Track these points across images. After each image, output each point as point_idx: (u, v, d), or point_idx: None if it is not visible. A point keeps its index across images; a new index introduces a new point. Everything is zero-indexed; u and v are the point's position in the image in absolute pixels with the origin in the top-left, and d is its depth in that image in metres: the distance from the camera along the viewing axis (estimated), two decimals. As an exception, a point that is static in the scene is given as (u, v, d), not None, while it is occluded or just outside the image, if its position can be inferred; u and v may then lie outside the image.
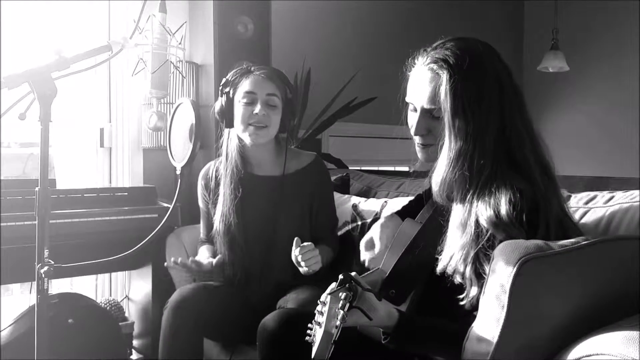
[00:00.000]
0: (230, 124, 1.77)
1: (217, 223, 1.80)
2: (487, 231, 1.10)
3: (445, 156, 1.16)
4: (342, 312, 1.02)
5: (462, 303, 1.13)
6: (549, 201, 1.12)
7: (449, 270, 1.15)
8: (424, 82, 1.19)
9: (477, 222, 1.11)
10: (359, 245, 1.88)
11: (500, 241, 1.06)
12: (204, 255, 1.81)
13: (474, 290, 1.11)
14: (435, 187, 1.20)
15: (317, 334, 1.06)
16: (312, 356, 1.03)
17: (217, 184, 1.85)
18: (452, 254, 1.14)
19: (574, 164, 3.85)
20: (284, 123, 1.78)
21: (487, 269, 1.07)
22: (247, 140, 1.76)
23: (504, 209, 1.08)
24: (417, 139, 1.26)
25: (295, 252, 1.54)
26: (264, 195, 1.81)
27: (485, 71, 1.15)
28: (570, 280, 1.03)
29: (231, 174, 1.79)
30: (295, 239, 1.54)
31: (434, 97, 1.17)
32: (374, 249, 1.41)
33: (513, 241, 1.02)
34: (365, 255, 1.43)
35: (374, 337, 1.23)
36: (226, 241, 1.79)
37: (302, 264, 1.55)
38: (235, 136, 1.80)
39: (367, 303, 1.09)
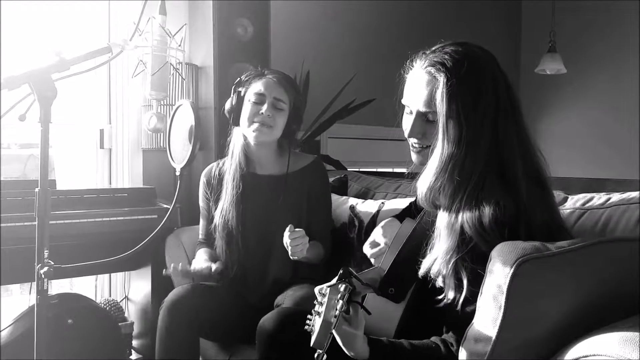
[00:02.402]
0: (237, 122, 1.83)
1: (217, 218, 1.83)
2: (470, 239, 1.10)
3: (435, 160, 1.16)
4: (341, 302, 1.03)
5: (439, 305, 1.15)
6: (532, 213, 1.12)
7: (432, 274, 1.16)
8: (420, 84, 1.20)
9: (462, 228, 1.12)
10: (357, 247, 1.88)
11: (483, 251, 1.06)
12: (202, 259, 1.81)
13: (451, 294, 1.12)
14: (421, 191, 1.19)
15: (315, 323, 1.06)
16: (311, 344, 1.04)
17: (220, 183, 1.88)
18: (436, 258, 1.15)
19: (571, 165, 3.86)
20: (290, 128, 1.82)
21: (463, 276, 1.09)
22: (250, 137, 1.79)
23: (486, 219, 1.08)
24: (411, 142, 1.27)
25: (286, 236, 1.59)
26: (264, 193, 1.84)
27: (483, 78, 1.15)
28: (567, 281, 1.03)
29: (234, 171, 1.83)
30: (290, 225, 1.59)
31: (430, 101, 1.17)
32: (379, 246, 1.41)
33: (510, 242, 1.03)
34: (371, 253, 1.42)
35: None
36: (224, 236, 1.82)
37: (289, 247, 1.58)
38: (240, 135, 1.84)
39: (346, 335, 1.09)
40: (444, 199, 1.16)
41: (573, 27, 4.20)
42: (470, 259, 1.09)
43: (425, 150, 1.24)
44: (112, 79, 2.50)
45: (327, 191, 1.95)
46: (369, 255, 1.43)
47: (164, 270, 1.69)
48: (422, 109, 1.20)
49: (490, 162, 1.14)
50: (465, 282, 1.10)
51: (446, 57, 1.16)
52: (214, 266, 1.71)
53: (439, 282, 1.15)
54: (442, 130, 1.14)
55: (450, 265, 1.11)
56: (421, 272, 1.18)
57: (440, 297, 1.15)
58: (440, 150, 1.15)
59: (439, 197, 1.16)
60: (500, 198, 1.10)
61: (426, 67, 1.19)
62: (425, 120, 1.21)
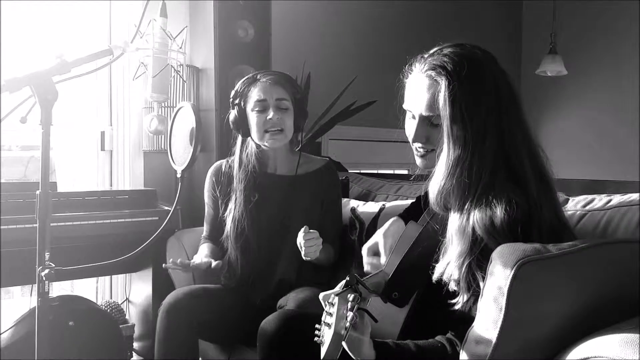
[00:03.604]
0: (247, 134, 1.82)
1: (229, 225, 1.82)
2: (481, 240, 1.10)
3: (443, 164, 1.15)
4: (351, 313, 1.02)
5: (454, 309, 1.14)
6: (541, 210, 1.12)
7: (445, 278, 1.15)
8: (422, 89, 1.19)
9: (474, 230, 1.11)
10: (358, 249, 1.88)
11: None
12: (203, 254, 1.81)
13: (465, 297, 1.12)
14: (432, 196, 1.19)
15: (326, 334, 1.06)
16: (322, 357, 1.03)
17: (229, 182, 1.87)
18: (449, 262, 1.14)
19: (572, 167, 3.86)
20: (297, 123, 1.82)
21: (478, 278, 1.08)
22: (266, 145, 1.80)
23: (498, 218, 1.08)
24: (415, 146, 1.26)
25: (300, 236, 1.58)
26: (275, 194, 1.84)
27: (484, 78, 1.15)
28: (568, 282, 1.03)
29: (246, 180, 1.81)
30: (305, 226, 1.58)
31: (433, 104, 1.17)
32: (378, 256, 1.41)
33: (511, 244, 1.03)
34: (367, 261, 1.43)
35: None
36: (240, 242, 1.80)
37: (303, 248, 1.57)
38: (251, 142, 1.83)
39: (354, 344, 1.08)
40: (454, 201, 1.16)
41: (574, 29, 4.21)
42: (484, 260, 1.08)
43: (430, 154, 1.23)
44: (113, 81, 2.50)
45: (338, 196, 1.95)
46: (365, 261, 1.42)
47: (164, 264, 1.69)
48: (425, 113, 1.19)
49: (497, 160, 1.14)
50: (481, 283, 1.08)
51: (445, 59, 1.16)
52: (213, 262, 1.70)
53: (452, 286, 1.14)
54: (447, 133, 1.14)
55: (463, 269, 1.11)
56: (435, 277, 1.17)
57: (453, 301, 1.14)
58: (446, 154, 1.15)
59: (450, 199, 1.16)
60: (512, 196, 1.10)
61: (426, 70, 1.18)
62: (428, 124, 1.21)
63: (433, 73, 1.16)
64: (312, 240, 1.57)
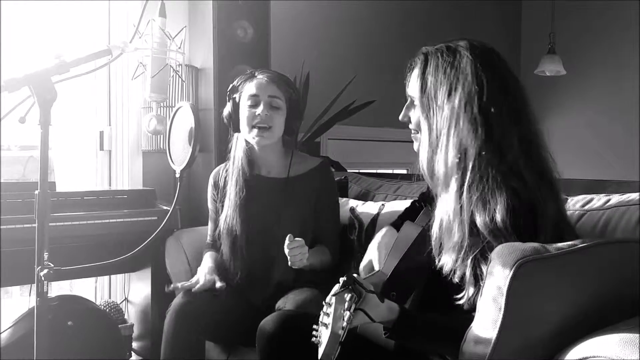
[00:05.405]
0: (237, 128, 1.82)
1: (221, 224, 1.83)
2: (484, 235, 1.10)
3: (424, 142, 1.21)
4: (348, 313, 1.03)
5: (459, 302, 1.14)
6: (545, 204, 1.12)
7: (446, 270, 1.15)
8: (413, 71, 1.26)
9: (473, 222, 1.12)
10: (357, 249, 1.88)
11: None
12: (206, 267, 1.81)
13: (471, 291, 1.12)
14: (422, 172, 1.24)
15: (323, 334, 1.06)
16: (319, 357, 1.04)
17: (226, 184, 1.88)
18: (451, 254, 1.15)
19: (571, 167, 3.83)
20: (290, 125, 1.82)
21: (484, 269, 1.08)
22: (252, 142, 1.80)
23: (499, 215, 1.08)
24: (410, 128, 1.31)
25: (285, 245, 1.57)
26: (269, 196, 1.84)
27: (463, 64, 1.18)
28: (567, 282, 1.03)
29: (237, 177, 1.83)
30: (289, 235, 1.57)
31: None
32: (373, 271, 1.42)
33: (510, 244, 1.03)
34: (363, 276, 1.43)
35: (372, 338, 1.24)
36: (229, 242, 1.81)
37: (289, 257, 1.57)
38: (242, 140, 1.84)
39: (370, 304, 1.10)
40: (441, 184, 1.18)
41: (572, 29, 4.21)
42: (490, 251, 1.08)
43: (418, 135, 1.28)
44: (112, 81, 2.50)
45: (334, 195, 1.93)
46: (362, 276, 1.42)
47: (166, 286, 1.70)
48: (410, 92, 1.26)
49: (485, 152, 1.14)
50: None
51: (436, 47, 1.23)
52: (218, 284, 1.71)
53: (455, 279, 1.15)
54: (421, 112, 1.22)
55: (468, 263, 1.11)
56: (445, 269, 1.17)
57: (458, 296, 1.14)
58: (421, 136, 1.22)
59: (436, 174, 1.19)
60: (512, 184, 1.11)
61: (419, 54, 1.25)
62: (412, 105, 1.27)
63: (419, 57, 1.24)
64: (297, 249, 1.57)
